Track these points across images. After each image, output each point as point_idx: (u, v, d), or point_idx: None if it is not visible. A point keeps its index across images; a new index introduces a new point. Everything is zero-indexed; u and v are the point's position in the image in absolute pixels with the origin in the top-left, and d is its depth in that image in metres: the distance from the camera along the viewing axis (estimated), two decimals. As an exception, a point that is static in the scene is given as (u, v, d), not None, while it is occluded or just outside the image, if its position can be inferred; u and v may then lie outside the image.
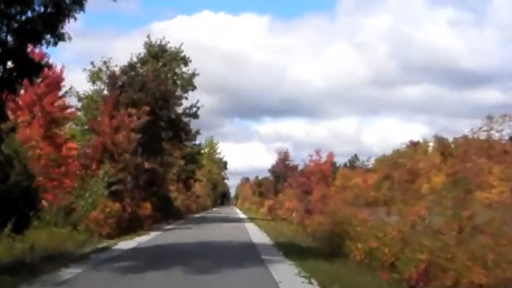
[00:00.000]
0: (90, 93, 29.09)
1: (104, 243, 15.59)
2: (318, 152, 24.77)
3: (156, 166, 26.33)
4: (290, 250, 13.92)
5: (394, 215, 11.25)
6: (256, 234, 21.66)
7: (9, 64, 10.93)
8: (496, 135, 8.76)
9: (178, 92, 31.43)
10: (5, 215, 13.41)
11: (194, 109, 32.81)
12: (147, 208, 23.83)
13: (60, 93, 25.16)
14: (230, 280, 9.55)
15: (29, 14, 10.87)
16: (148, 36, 32.33)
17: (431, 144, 45.26)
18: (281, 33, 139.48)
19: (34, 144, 20.82)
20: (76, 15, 10.92)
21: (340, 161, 52.50)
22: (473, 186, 8.53)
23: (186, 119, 32.65)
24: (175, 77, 31.73)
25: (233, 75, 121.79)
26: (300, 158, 55.99)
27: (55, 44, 11.19)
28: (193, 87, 32.22)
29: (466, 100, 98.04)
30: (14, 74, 11.04)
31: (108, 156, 21.73)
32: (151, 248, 15.59)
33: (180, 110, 31.78)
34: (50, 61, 23.96)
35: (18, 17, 10.84)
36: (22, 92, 23.94)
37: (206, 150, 70.05)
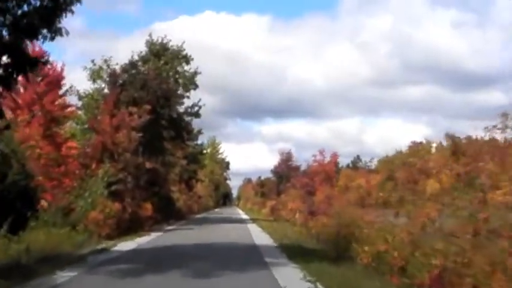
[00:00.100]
0: (91, 91, 28.75)
1: (103, 245, 15.23)
2: (321, 152, 24.50)
3: (157, 166, 25.98)
4: (294, 252, 13.53)
5: (402, 216, 10.87)
6: (259, 236, 21.29)
7: (5, 59, 10.65)
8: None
9: (180, 91, 31.05)
10: (2, 215, 13.06)
11: (196, 108, 32.42)
12: (147, 208, 23.47)
13: (61, 92, 24.90)
14: (232, 284, 9.18)
15: (25, 7, 10.56)
16: (150, 35, 31.99)
17: (434, 145, 44.99)
18: (282, 33, 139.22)
19: (34, 143, 20.52)
20: (74, 9, 10.64)
21: (342, 161, 52.03)
22: (486, 187, 8.14)
23: (187, 118, 32.26)
24: (177, 76, 31.35)
25: (235, 76, 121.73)
26: (302, 159, 55.72)
27: (52, 39, 10.89)
28: (195, 86, 31.85)
29: (468, 101, 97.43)
30: (10, 69, 10.76)
31: (108, 155, 21.39)
32: (151, 249, 15.23)
33: (181, 109, 31.41)
34: (50, 60, 23.99)
35: (13, 11, 10.52)
36: (22, 90, 23.79)
37: (208, 150, 69.72)
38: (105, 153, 21.44)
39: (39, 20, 10.48)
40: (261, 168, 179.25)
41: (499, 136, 8.40)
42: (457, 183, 9.65)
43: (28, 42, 12.25)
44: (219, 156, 78.80)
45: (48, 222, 15.93)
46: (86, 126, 26.13)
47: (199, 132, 39.14)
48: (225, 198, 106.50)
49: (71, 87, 26.36)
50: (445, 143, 35.84)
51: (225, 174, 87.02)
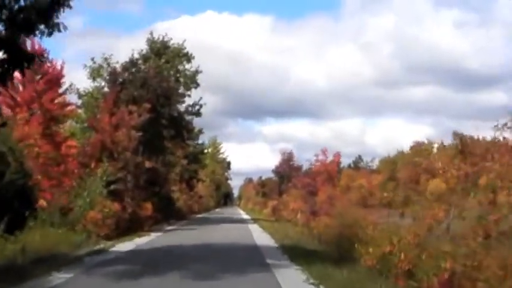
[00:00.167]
0: (91, 90, 28.51)
1: (101, 245, 14.95)
2: (324, 152, 24.19)
3: (157, 165, 25.72)
4: (296, 253, 13.27)
5: (407, 217, 10.60)
6: (260, 236, 21.04)
7: (0, 55, 10.44)
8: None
9: (181, 90, 30.77)
10: (-1, 214, 12.81)
11: (197, 107, 32.17)
12: (147, 208, 23.21)
13: (60, 90, 24.63)
14: None
15: (22, 2, 10.37)
16: (151, 33, 31.75)
17: (435, 145, 44.81)
18: (284, 33, 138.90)
19: (32, 142, 20.25)
20: (72, 4, 10.41)
21: (343, 162, 51.84)
22: (497, 188, 7.86)
23: (188, 117, 32.00)
24: (177, 74, 31.10)
25: (236, 76, 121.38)
26: (303, 159, 55.44)
27: (50, 34, 10.72)
28: (197, 85, 31.59)
29: (471, 102, 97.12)
30: (6, 65, 10.55)
31: (107, 154, 21.14)
32: (150, 250, 14.96)
33: (182, 107, 31.15)
34: (50, 57, 23.73)
35: (10, 6, 10.30)
36: (21, 88, 23.55)
37: (209, 150, 69.46)
38: (104, 152, 21.19)
39: (36, 15, 10.31)
40: (263, 168, 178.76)
41: (508, 134, 8.11)
42: (464, 183, 9.34)
43: (28, 40, 12.09)
44: (220, 156, 78.59)
45: (46, 222, 15.68)
46: (86, 125, 25.90)
47: (200, 131, 38.93)
48: (226, 198, 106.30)
49: (70, 86, 26.14)
50: (447, 143, 35.63)
51: (226, 174, 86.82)
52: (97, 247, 14.36)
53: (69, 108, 25.30)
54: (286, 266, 11.39)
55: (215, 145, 75.36)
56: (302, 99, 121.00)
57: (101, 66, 28.60)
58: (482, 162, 8.72)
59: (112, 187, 19.74)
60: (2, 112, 17.96)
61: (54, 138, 22.55)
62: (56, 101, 24.01)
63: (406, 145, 65.12)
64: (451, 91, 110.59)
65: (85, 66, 29.15)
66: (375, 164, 57.05)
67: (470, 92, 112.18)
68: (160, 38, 31.66)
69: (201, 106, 32.37)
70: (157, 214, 25.39)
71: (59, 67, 23.99)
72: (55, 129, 23.29)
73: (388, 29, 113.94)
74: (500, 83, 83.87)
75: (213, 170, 73.02)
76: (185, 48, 31.71)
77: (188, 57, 31.58)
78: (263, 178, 67.82)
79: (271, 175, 52.03)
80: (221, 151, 78.37)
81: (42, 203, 17.15)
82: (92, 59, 29.01)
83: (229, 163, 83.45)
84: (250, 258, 13.20)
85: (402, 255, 8.59)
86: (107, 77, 27.11)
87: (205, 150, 57.54)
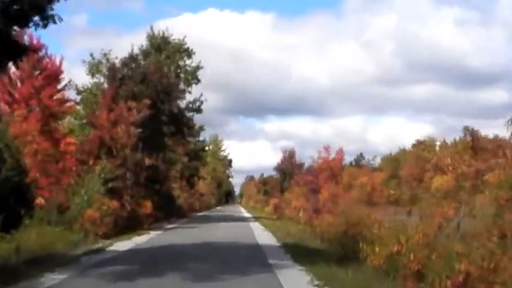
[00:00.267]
0: (90, 86, 28.13)
1: (99, 244, 14.60)
2: (326, 149, 23.81)
3: (157, 162, 25.32)
4: (299, 253, 12.91)
5: (414, 215, 10.21)
6: (262, 235, 20.69)
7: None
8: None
9: (182, 86, 30.36)
10: (-6, 212, 12.45)
11: (198, 103, 31.77)
12: (147, 206, 22.85)
13: (59, 87, 24.26)
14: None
15: (15, -7, 9.98)
16: (151, 28, 31.34)
17: (437, 142, 44.46)
18: (286, 31, 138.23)
19: (30, 138, 19.90)
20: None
21: (345, 159, 51.50)
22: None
23: (189, 114, 31.60)
24: (178, 70, 30.69)
25: (238, 73, 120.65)
26: (305, 157, 55.11)
27: (44, 26, 10.42)
28: (198, 81, 31.19)
29: (472, 100, 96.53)
30: (-1, 57, 10.21)
31: (106, 151, 20.76)
32: (149, 249, 14.61)
33: (183, 104, 30.75)
34: (48, 53, 23.37)
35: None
36: (19, 84, 23.19)
37: (211, 147, 69.10)
38: (102, 148, 20.81)
39: (30, 6, 9.97)
40: (264, 166, 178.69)
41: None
42: (475, 180, 8.95)
43: (27, 37, 11.71)
44: (222, 153, 78.21)
45: (43, 221, 15.30)
46: (85, 121, 25.54)
47: (201, 128, 38.47)
48: (227, 196, 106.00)
49: (69, 82, 25.76)
50: (449, 141, 35.22)
51: (227, 171, 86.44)
52: (95, 246, 14.01)
53: (67, 104, 24.93)
54: (289, 266, 11.03)
55: (216, 142, 75.01)
56: (304, 97, 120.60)
57: (100, 62, 28.22)
58: (494, 159, 8.30)
59: (110, 185, 19.35)
60: (-1, 108, 17.64)
61: (52, 135, 22.20)
62: (55, 97, 23.65)
63: (407, 143, 64.70)
64: (452, 89, 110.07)
65: (84, 62, 28.80)
66: (377, 162, 56.69)
67: (471, 90, 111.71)
68: (161, 34, 31.27)
69: (201, 103, 32.01)
70: (157, 212, 25.05)
71: (57, 63, 23.68)
72: (54, 126, 22.95)
73: (390, 26, 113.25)
74: (501, 81, 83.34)
75: (214, 167, 72.65)
76: (186, 43, 31.35)
77: (189, 53, 31.18)
78: (265, 176, 67.46)
79: (273, 173, 51.75)
80: (222, 149, 78.09)
81: (40, 201, 16.82)
82: (91, 55, 28.66)
83: (230, 161, 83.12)
84: (251, 257, 12.87)
85: (411, 256, 8.19)
86: (106, 73, 26.72)
87: (207, 148, 57.17)
